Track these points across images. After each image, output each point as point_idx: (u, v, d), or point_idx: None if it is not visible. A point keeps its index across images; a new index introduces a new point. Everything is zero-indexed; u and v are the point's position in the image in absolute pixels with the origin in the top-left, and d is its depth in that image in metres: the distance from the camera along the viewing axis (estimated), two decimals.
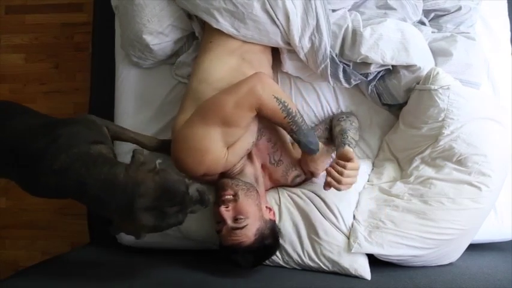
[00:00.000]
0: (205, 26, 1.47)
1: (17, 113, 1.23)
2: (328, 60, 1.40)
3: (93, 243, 1.80)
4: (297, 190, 1.43)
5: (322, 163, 1.41)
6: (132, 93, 1.61)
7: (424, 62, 1.42)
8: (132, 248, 1.57)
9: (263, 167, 1.42)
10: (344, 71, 1.43)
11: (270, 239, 1.28)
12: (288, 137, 1.43)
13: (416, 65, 1.41)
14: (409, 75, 1.43)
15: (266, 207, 1.34)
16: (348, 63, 1.43)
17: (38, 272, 1.38)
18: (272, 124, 1.34)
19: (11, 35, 2.28)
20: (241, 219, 1.23)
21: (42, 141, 1.09)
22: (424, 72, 1.42)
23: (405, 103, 1.49)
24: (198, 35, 1.53)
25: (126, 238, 1.57)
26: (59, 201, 2.17)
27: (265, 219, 1.29)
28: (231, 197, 1.26)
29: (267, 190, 1.44)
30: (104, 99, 1.73)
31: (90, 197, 1.04)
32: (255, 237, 1.24)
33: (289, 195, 1.42)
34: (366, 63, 1.42)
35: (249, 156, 1.38)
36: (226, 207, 1.25)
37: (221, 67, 1.34)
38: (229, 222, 1.24)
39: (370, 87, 1.49)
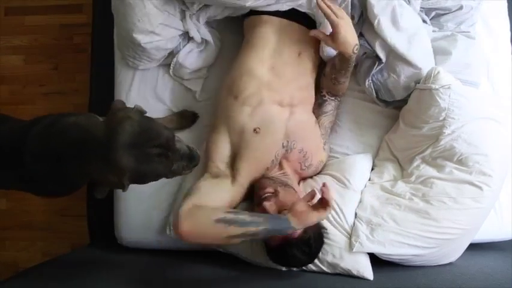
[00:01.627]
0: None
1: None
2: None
3: (93, 244, 1.79)
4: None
5: None
6: (132, 94, 1.61)
7: (423, 62, 1.42)
8: (132, 248, 1.58)
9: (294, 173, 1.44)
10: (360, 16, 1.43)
11: (318, 235, 1.28)
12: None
13: (411, 62, 1.40)
14: (407, 73, 1.43)
15: None
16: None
17: (38, 273, 1.38)
18: (302, 133, 1.39)
19: (11, 36, 2.28)
20: (286, 211, 1.19)
21: (20, 135, 1.05)
22: (423, 72, 1.42)
23: (402, 101, 1.49)
24: (193, 35, 1.53)
25: (126, 239, 1.58)
26: (59, 203, 2.17)
27: None
28: (271, 194, 1.27)
29: None
30: (103, 100, 1.72)
31: (70, 138, 0.97)
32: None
33: None
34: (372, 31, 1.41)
35: (280, 165, 1.40)
36: (270, 202, 1.24)
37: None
38: None
39: (367, 81, 1.48)
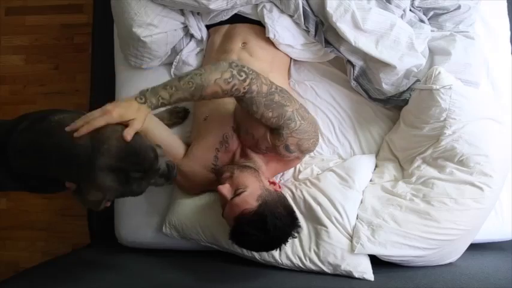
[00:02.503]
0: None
1: None
2: (300, 9, 1.44)
3: (94, 244, 1.80)
4: (303, 189, 1.42)
5: None
6: (132, 94, 1.60)
7: (395, 60, 1.43)
8: (132, 248, 1.58)
9: (265, 156, 1.38)
10: (316, 26, 1.46)
11: (280, 207, 1.23)
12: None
13: (383, 61, 1.43)
14: (385, 71, 1.45)
15: (269, 181, 1.33)
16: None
17: (39, 273, 1.38)
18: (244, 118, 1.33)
19: (11, 36, 2.28)
20: (240, 189, 1.21)
21: (7, 130, 1.04)
22: (399, 70, 1.44)
23: (402, 100, 1.50)
24: (193, 32, 1.54)
25: (126, 239, 1.58)
26: (60, 203, 2.18)
27: (269, 189, 1.27)
28: (228, 177, 1.28)
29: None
30: (104, 100, 1.70)
31: (55, 160, 0.96)
32: (258, 202, 1.21)
33: (293, 197, 1.41)
34: (338, 37, 1.45)
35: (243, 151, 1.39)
36: (224, 185, 1.26)
37: None
38: (230, 196, 1.23)
39: (352, 84, 1.51)
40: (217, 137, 1.37)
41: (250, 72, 1.18)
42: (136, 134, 1.00)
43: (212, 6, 1.43)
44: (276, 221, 1.19)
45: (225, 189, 1.25)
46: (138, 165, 0.97)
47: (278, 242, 1.23)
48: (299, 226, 1.27)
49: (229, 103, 1.40)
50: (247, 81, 1.17)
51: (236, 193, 1.22)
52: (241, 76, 1.16)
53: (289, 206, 1.28)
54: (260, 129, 1.29)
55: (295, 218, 1.27)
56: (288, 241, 1.24)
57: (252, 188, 1.23)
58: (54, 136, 0.96)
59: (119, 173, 0.95)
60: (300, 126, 1.27)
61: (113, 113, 1.00)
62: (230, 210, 1.22)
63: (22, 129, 1.01)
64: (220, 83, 1.13)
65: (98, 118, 0.98)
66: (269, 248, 1.25)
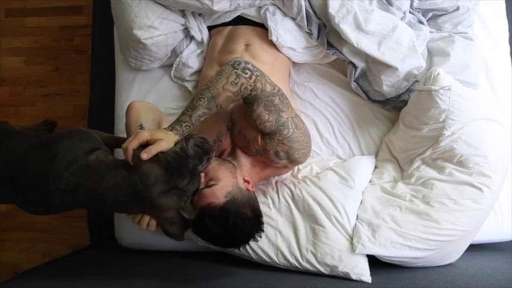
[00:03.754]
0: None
1: (8, 138, 1.21)
2: (303, 12, 1.44)
3: (93, 245, 1.80)
4: (302, 188, 1.41)
5: None
6: (132, 96, 1.62)
7: (397, 62, 1.43)
8: (132, 250, 1.58)
9: (254, 158, 1.38)
10: (319, 28, 1.47)
11: (247, 208, 1.23)
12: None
13: (385, 62, 1.43)
14: (386, 73, 1.46)
15: (244, 179, 1.32)
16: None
17: (39, 274, 1.38)
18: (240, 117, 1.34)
19: (11, 38, 2.28)
20: (212, 182, 1.23)
21: (41, 164, 1.08)
22: (401, 71, 1.44)
23: (401, 101, 1.50)
24: (194, 34, 1.54)
25: (126, 240, 1.58)
26: None
27: (241, 188, 1.27)
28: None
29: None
30: (104, 101, 1.73)
31: (109, 204, 1.07)
32: (226, 199, 1.21)
33: (291, 195, 1.41)
34: (340, 39, 1.46)
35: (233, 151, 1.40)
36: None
37: None
38: (201, 185, 1.21)
39: (352, 85, 1.52)
40: (211, 135, 1.37)
41: (255, 69, 1.20)
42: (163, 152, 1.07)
43: (216, 7, 1.43)
44: (238, 221, 1.19)
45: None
46: (181, 176, 1.06)
47: (237, 241, 1.24)
48: (262, 230, 1.26)
49: None
50: (253, 78, 1.19)
51: (207, 184, 1.23)
52: (246, 74, 1.18)
53: (257, 209, 1.28)
54: (253, 131, 1.30)
55: (260, 222, 1.26)
56: (247, 243, 1.25)
57: (224, 182, 1.24)
58: (100, 179, 1.06)
59: (173, 191, 1.06)
60: (293, 134, 1.28)
61: (143, 133, 1.08)
62: (198, 200, 1.23)
63: (57, 167, 1.07)
64: (228, 88, 1.16)
65: (132, 142, 1.06)
66: (226, 245, 1.28)
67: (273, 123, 1.24)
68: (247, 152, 1.36)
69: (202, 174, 1.23)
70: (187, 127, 1.14)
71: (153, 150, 1.06)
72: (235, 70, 1.17)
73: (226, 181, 1.25)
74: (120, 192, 1.05)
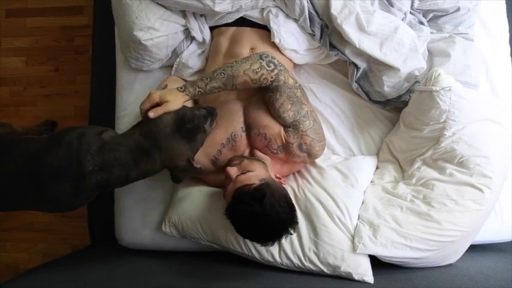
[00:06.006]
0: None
1: (18, 140, 1.24)
2: (306, 13, 1.45)
3: (94, 245, 1.80)
4: (305, 188, 1.41)
5: None
6: (132, 96, 1.62)
7: (399, 62, 1.43)
8: (132, 250, 1.58)
9: (273, 157, 1.40)
10: (322, 29, 1.47)
11: (282, 195, 1.23)
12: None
13: (387, 63, 1.43)
14: (388, 73, 1.46)
15: (276, 176, 1.35)
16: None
17: (39, 274, 1.38)
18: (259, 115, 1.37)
19: (12, 38, 2.29)
20: (247, 170, 1.26)
21: (60, 154, 1.14)
22: (402, 72, 1.44)
23: (401, 102, 1.50)
24: (194, 34, 1.53)
25: (127, 240, 1.58)
26: None
27: (274, 179, 1.29)
28: (237, 163, 1.32)
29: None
30: (104, 102, 1.73)
31: (137, 165, 1.17)
32: (260, 182, 1.22)
33: (294, 195, 1.40)
34: (342, 39, 1.46)
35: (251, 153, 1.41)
36: (233, 167, 1.30)
37: None
38: (235, 175, 1.26)
39: (353, 86, 1.52)
40: (225, 133, 1.39)
41: (279, 64, 1.31)
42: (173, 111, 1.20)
43: (217, 8, 1.43)
44: (274, 201, 1.18)
45: (233, 170, 1.29)
46: (191, 124, 1.20)
47: (271, 224, 1.18)
48: (296, 222, 1.24)
49: (238, 102, 1.42)
50: (275, 71, 1.29)
51: (242, 172, 1.26)
52: (270, 67, 1.29)
53: (290, 199, 1.28)
54: (275, 127, 1.35)
55: (294, 211, 1.25)
56: (282, 235, 1.20)
57: (258, 172, 1.27)
58: (122, 148, 1.17)
59: (184, 140, 1.19)
60: (313, 126, 1.36)
61: (153, 94, 1.20)
62: (232, 187, 1.25)
63: (78, 153, 1.15)
64: (249, 73, 1.26)
65: (144, 103, 1.20)
66: (261, 228, 1.19)
67: (295, 114, 1.33)
68: (267, 152, 1.39)
69: (235, 168, 1.29)
70: (199, 92, 1.24)
71: (159, 110, 1.18)
72: (261, 61, 1.28)
73: (260, 171, 1.28)
74: (140, 147, 1.16)
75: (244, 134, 1.39)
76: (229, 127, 1.39)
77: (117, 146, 1.17)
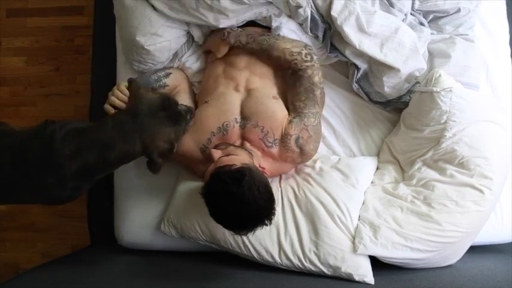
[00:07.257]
0: None
1: (6, 132, 1.24)
2: (309, 20, 1.45)
3: (94, 245, 1.80)
4: (305, 188, 1.41)
5: None
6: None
7: (399, 63, 1.43)
8: (132, 250, 1.58)
9: (264, 153, 1.39)
10: (325, 32, 1.47)
11: (262, 182, 1.21)
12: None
13: (387, 64, 1.43)
14: (388, 74, 1.46)
15: (260, 165, 1.34)
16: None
17: (39, 274, 1.38)
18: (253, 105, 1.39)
19: (12, 38, 2.28)
20: (231, 154, 1.27)
21: (39, 144, 1.14)
22: (403, 73, 1.44)
23: (402, 103, 1.50)
24: (197, 39, 1.53)
25: (126, 240, 1.58)
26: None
27: (257, 167, 1.29)
28: (223, 148, 1.32)
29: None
30: (104, 102, 1.73)
31: (116, 145, 1.13)
32: (242, 165, 1.21)
33: (294, 195, 1.41)
34: (343, 40, 1.46)
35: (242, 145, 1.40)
36: (217, 150, 1.30)
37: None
38: (218, 157, 1.26)
39: (354, 87, 1.52)
40: (217, 122, 1.38)
41: (316, 61, 1.40)
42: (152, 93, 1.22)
43: (222, 25, 1.44)
44: (253, 185, 1.16)
45: (217, 152, 1.28)
46: (176, 104, 1.21)
47: (247, 209, 1.15)
48: (273, 214, 1.21)
49: (236, 95, 1.42)
50: (308, 64, 1.37)
51: (225, 155, 1.27)
52: (307, 58, 1.37)
53: (271, 189, 1.25)
54: (280, 116, 1.37)
55: (273, 201, 1.23)
56: (256, 224, 1.18)
57: (242, 157, 1.27)
58: (100, 128, 1.16)
59: (168, 114, 1.18)
60: (316, 126, 1.40)
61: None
62: (213, 167, 1.24)
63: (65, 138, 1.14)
64: (285, 52, 1.37)
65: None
66: (236, 212, 1.16)
67: (305, 106, 1.38)
68: (260, 146, 1.37)
69: (220, 151, 1.30)
70: (238, 46, 1.42)
71: (222, 50, 1.44)
72: (303, 48, 1.38)
73: (244, 157, 1.28)
74: (119, 125, 1.14)
75: (237, 125, 1.38)
76: (222, 116, 1.38)
77: (94, 128, 1.16)
